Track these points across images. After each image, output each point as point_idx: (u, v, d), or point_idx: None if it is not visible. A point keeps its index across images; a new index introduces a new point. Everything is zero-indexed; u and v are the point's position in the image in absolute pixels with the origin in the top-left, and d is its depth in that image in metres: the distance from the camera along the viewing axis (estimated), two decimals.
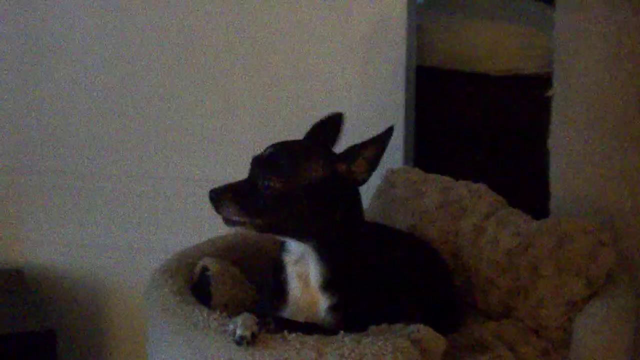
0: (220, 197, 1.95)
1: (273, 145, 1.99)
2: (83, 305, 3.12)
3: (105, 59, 3.03)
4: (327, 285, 1.99)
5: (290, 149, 1.99)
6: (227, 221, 1.96)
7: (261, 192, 1.93)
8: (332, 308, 1.98)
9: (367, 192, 2.52)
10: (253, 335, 1.81)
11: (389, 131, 1.98)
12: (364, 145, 1.96)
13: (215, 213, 1.96)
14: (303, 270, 2.01)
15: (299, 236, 1.97)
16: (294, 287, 2.02)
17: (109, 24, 3.02)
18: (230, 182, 1.97)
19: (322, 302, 1.99)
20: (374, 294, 2.01)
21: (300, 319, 1.97)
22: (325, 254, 1.98)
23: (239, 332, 1.82)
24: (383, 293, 2.03)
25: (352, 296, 1.99)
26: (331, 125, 2.08)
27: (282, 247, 2.04)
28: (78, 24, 3.02)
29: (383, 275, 2.06)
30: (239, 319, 1.84)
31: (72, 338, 3.07)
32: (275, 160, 1.95)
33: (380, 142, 1.97)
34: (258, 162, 1.97)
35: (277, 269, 2.05)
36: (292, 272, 2.02)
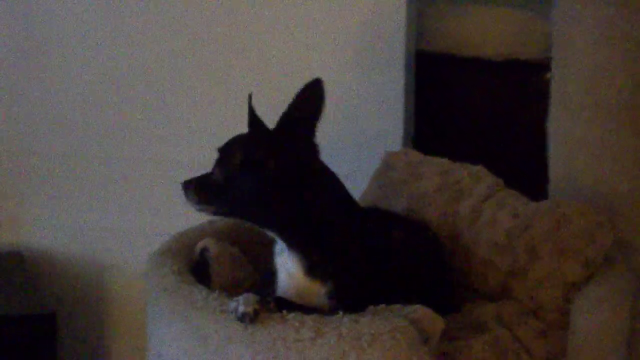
0: (186, 187, 2.08)
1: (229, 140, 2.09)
2: (83, 288, 3.11)
3: (104, 44, 3.03)
4: (314, 273, 1.99)
5: (233, 139, 2.07)
6: (197, 208, 2.06)
7: (214, 179, 2.04)
8: (329, 295, 1.98)
9: (367, 174, 2.53)
10: (255, 313, 1.82)
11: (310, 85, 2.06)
12: (292, 116, 2.05)
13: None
14: (284, 260, 2.02)
15: (259, 222, 2.04)
16: (282, 277, 2.03)
17: (99, 10, 3.02)
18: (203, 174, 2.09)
19: (316, 290, 1.99)
20: (371, 277, 2.01)
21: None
22: (296, 243, 1.99)
23: (241, 309, 1.82)
24: (380, 276, 2.03)
25: (348, 281, 1.99)
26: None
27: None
28: (75, 9, 3.02)
29: (379, 258, 2.06)
30: (241, 298, 1.85)
31: (72, 321, 3.06)
32: (222, 150, 2.06)
33: (303, 95, 2.06)
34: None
35: (270, 260, 2.07)
36: (277, 262, 2.04)
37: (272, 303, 1.88)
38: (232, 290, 2.09)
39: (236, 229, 2.33)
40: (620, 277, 2.16)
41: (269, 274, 2.07)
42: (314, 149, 2.02)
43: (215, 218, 2.35)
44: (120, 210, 3.08)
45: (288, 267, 2.01)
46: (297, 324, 1.82)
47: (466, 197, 2.36)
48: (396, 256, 2.12)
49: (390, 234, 2.18)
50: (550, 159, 2.53)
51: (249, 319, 1.82)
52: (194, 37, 3.00)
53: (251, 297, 1.85)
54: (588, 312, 2.07)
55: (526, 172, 2.70)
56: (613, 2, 2.35)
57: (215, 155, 2.08)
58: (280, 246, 2.03)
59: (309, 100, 2.05)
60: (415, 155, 2.52)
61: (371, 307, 1.91)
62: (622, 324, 2.11)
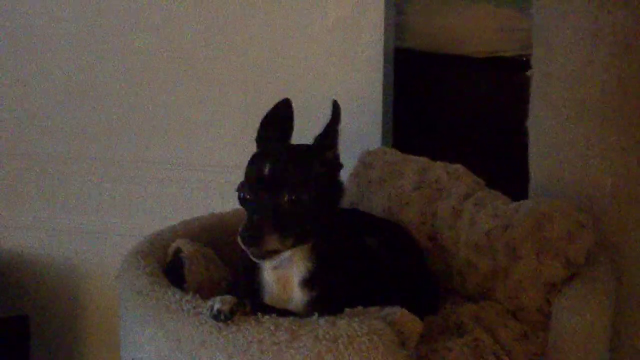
0: (260, 232, 1.83)
1: (268, 162, 1.88)
2: (56, 291, 3.11)
3: (84, 44, 3.03)
4: (307, 283, 1.96)
5: (289, 157, 1.91)
6: (262, 255, 1.86)
7: (289, 209, 1.85)
8: (310, 302, 1.95)
9: (345, 173, 2.50)
10: (231, 311, 1.79)
11: (337, 105, 1.95)
12: (336, 123, 1.93)
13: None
14: (284, 273, 1.97)
15: (311, 239, 1.92)
16: (271, 290, 1.99)
17: (88, 8, 3.02)
18: (250, 215, 1.86)
19: (300, 298, 1.96)
20: (352, 285, 1.99)
21: None
22: (316, 251, 1.95)
23: (216, 306, 1.79)
24: (359, 282, 2.01)
25: (330, 289, 1.96)
26: (283, 113, 2.02)
27: None
28: (55, 7, 3.02)
29: (358, 262, 2.04)
30: (218, 298, 1.82)
31: (46, 323, 3.06)
32: (287, 174, 1.87)
33: (339, 116, 1.94)
34: (269, 182, 1.86)
35: (250, 273, 2.00)
36: (270, 276, 1.98)
37: (248, 305, 1.84)
38: (206, 291, 2.06)
39: (209, 229, 2.31)
40: (602, 277, 2.14)
41: (248, 286, 2.02)
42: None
43: (189, 219, 2.34)
44: (94, 212, 3.08)
45: (285, 280, 1.97)
46: (272, 327, 1.79)
47: (445, 197, 2.35)
48: (374, 260, 2.10)
49: (367, 238, 2.16)
50: (530, 157, 2.51)
51: (223, 316, 1.79)
52: (175, 37, 3.00)
53: (227, 297, 1.82)
54: (570, 313, 2.05)
55: (507, 170, 2.69)
56: None
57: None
58: (277, 261, 1.93)
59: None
60: (394, 154, 2.51)
61: (348, 309, 1.88)
62: (604, 324, 2.09)
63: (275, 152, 1.91)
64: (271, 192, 1.85)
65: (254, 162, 1.91)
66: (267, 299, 1.97)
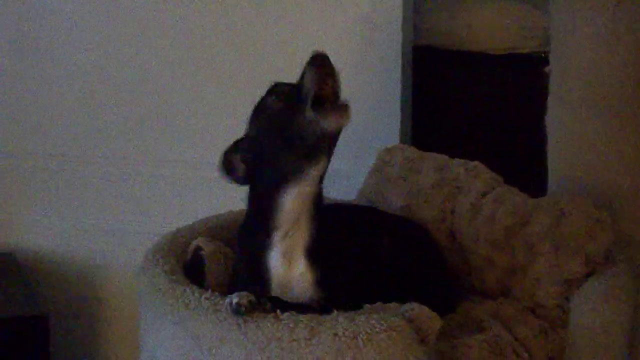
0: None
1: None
2: (76, 289, 3.12)
3: (97, 44, 3.03)
4: (312, 254, 1.97)
5: None
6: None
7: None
8: (318, 283, 1.96)
9: (364, 171, 2.51)
10: (251, 304, 1.80)
11: None
12: None
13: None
14: (291, 242, 1.97)
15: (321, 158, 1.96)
16: (276, 268, 1.98)
17: (100, 8, 3.02)
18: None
19: (306, 276, 1.97)
20: (360, 272, 2.02)
21: (285, 298, 1.95)
22: (319, 205, 1.97)
23: (235, 300, 1.80)
24: (370, 272, 2.04)
25: (337, 271, 1.98)
26: None
27: (269, 226, 1.98)
28: (72, 8, 3.02)
29: (370, 254, 2.08)
30: (234, 294, 1.83)
31: (65, 322, 3.06)
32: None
33: None
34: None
35: (251, 259, 2.02)
36: (277, 250, 1.98)
37: (267, 302, 1.84)
38: (225, 289, 2.06)
39: (227, 227, 2.31)
40: (621, 273, 2.13)
41: (251, 272, 2.03)
42: None
43: (209, 217, 2.35)
44: (113, 211, 3.08)
45: (292, 249, 1.97)
46: (291, 324, 1.79)
47: (464, 194, 2.34)
48: (388, 254, 2.12)
49: (382, 232, 2.17)
50: (549, 154, 2.50)
51: (244, 309, 1.79)
52: (189, 35, 3.00)
53: (243, 293, 1.83)
54: (589, 309, 2.04)
55: (525, 167, 2.68)
56: None
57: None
58: (290, 222, 1.96)
59: None
60: (412, 151, 2.50)
61: (367, 306, 1.89)
62: (624, 321, 2.08)
63: None
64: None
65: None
66: (274, 282, 1.97)
